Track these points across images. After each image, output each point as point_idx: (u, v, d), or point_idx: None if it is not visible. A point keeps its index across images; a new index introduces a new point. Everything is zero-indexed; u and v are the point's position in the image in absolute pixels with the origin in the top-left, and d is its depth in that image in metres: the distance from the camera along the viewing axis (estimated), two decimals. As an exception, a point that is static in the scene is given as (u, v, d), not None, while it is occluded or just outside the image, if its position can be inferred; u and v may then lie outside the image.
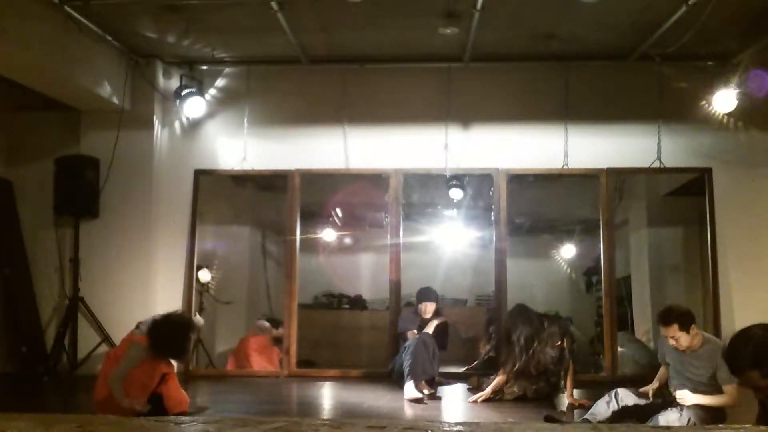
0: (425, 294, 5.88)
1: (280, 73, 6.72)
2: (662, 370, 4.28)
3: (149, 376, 4.13)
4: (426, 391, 5.12)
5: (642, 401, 4.06)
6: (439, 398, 5.25)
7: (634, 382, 4.44)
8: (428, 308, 5.78)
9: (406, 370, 5.16)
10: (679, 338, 3.95)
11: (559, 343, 5.10)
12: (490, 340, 6.32)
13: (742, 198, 6.30)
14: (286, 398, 5.53)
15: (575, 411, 4.73)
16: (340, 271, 8.55)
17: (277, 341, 6.63)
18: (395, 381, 5.44)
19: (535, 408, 4.75)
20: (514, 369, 5.07)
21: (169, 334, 4.16)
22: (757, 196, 6.32)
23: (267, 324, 6.83)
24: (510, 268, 6.36)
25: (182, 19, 5.62)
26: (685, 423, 3.75)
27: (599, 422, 3.82)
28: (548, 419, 4.18)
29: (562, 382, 5.04)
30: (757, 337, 2.86)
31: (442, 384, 5.69)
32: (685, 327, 3.94)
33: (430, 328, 5.59)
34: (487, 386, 5.22)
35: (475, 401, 5.03)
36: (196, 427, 1.82)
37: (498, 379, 5.11)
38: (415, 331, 5.61)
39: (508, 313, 5.55)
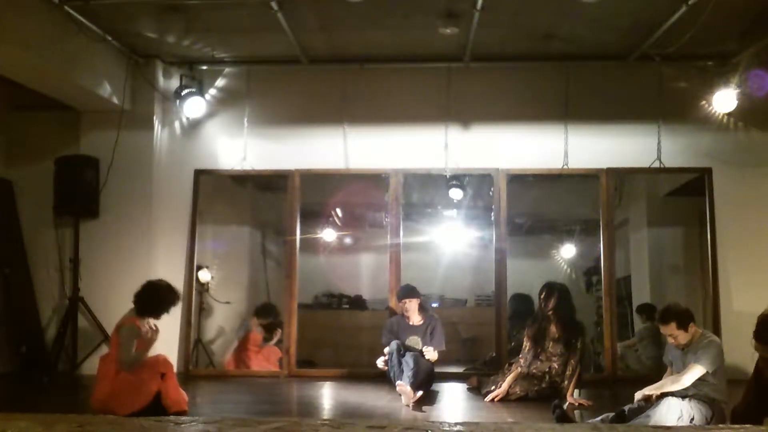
0: (406, 291, 5.67)
1: (280, 73, 6.72)
2: (667, 373, 4.26)
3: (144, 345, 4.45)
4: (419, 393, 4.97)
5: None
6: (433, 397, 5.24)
7: (634, 383, 4.42)
8: (410, 305, 5.59)
9: (394, 378, 5.17)
10: (677, 336, 3.99)
11: (574, 341, 5.09)
12: (511, 340, 6.26)
13: (742, 198, 6.30)
14: (286, 398, 5.53)
15: (575, 411, 4.72)
16: (340, 271, 8.54)
17: (266, 340, 6.64)
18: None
19: (537, 409, 4.74)
20: (538, 344, 5.08)
21: (153, 295, 4.46)
22: (757, 196, 6.31)
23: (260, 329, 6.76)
24: (510, 268, 6.35)
25: (182, 19, 5.63)
26: (687, 416, 3.75)
27: (599, 421, 3.82)
28: (556, 408, 4.17)
29: (565, 383, 5.02)
30: None
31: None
32: (682, 325, 3.96)
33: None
34: (486, 386, 5.22)
35: (492, 400, 5.01)
36: (196, 427, 1.83)
37: (514, 373, 5.10)
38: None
39: (549, 288, 5.28)
